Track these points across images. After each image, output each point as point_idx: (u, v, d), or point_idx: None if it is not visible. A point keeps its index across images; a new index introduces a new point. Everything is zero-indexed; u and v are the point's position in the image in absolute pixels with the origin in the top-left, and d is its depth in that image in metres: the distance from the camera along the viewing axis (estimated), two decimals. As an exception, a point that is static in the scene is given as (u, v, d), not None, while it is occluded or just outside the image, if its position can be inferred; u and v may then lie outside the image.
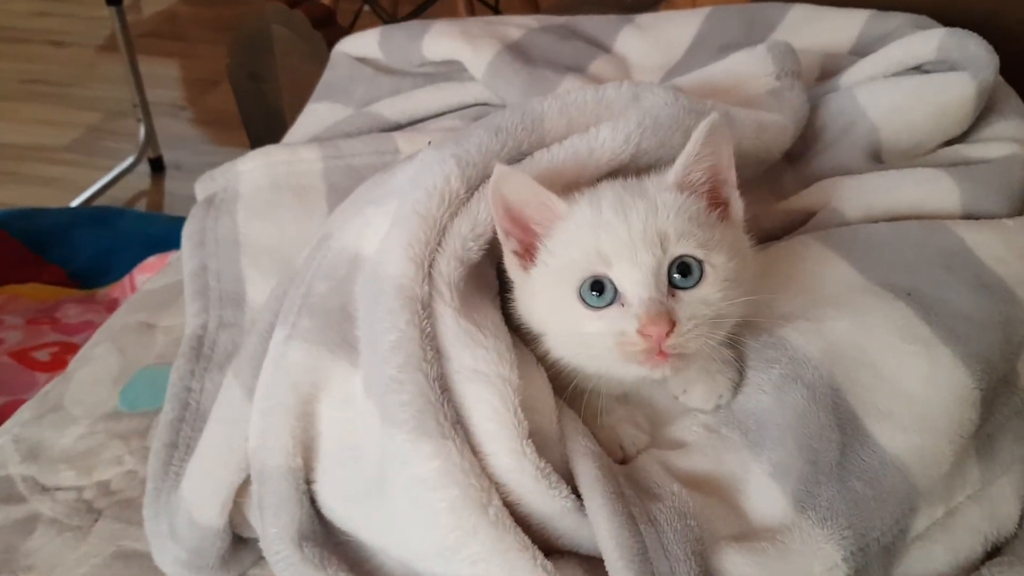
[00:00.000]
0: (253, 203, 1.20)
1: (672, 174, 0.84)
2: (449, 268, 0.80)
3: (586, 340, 0.76)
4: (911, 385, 0.79)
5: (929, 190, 0.96)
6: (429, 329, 0.78)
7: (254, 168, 1.24)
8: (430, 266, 0.80)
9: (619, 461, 0.81)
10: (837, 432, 0.77)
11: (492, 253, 0.87)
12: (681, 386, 0.88)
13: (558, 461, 0.79)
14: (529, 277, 0.81)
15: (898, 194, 0.96)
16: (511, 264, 0.82)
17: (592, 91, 0.88)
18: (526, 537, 0.70)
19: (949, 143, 1.10)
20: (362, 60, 1.44)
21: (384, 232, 0.82)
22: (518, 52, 1.30)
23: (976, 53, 1.04)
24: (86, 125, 3.70)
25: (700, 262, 0.77)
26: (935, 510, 0.79)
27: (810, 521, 0.72)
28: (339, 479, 0.83)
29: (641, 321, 0.73)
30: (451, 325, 0.78)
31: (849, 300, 0.85)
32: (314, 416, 0.85)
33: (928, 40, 1.07)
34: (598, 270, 0.76)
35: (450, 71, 1.34)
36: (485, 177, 0.85)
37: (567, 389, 0.87)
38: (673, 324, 0.73)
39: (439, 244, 0.81)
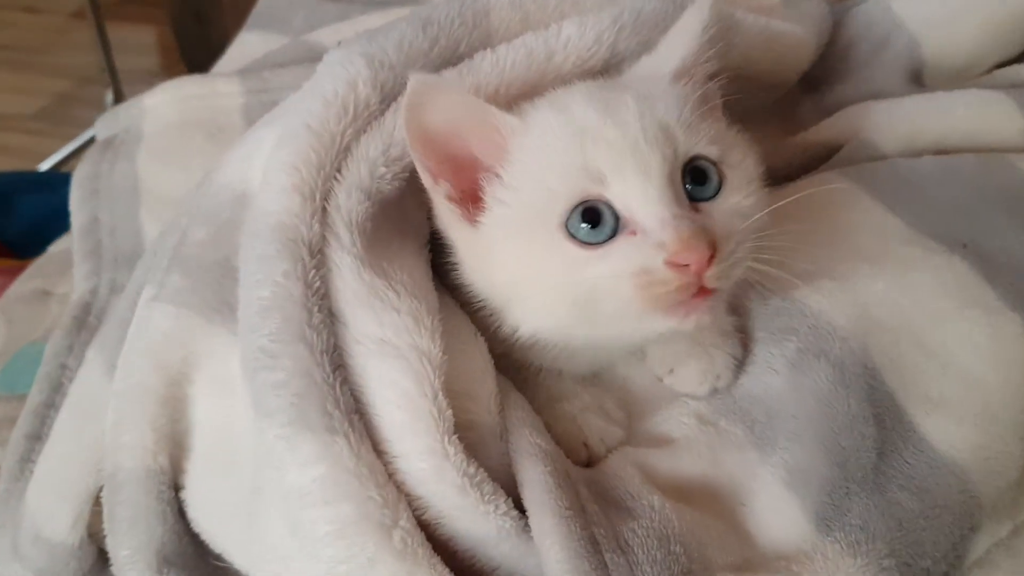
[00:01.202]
0: (157, 144, 1.01)
1: (669, 61, 0.64)
2: (351, 202, 0.59)
3: (589, 292, 0.57)
4: (969, 363, 0.65)
5: (986, 116, 0.81)
6: (319, 284, 0.57)
7: (162, 103, 1.04)
8: (325, 199, 0.59)
9: (583, 463, 0.65)
10: (873, 426, 0.63)
11: (417, 185, 0.66)
12: (667, 363, 0.69)
13: (497, 464, 0.60)
14: (476, 231, 0.61)
15: (948, 121, 0.81)
16: (446, 218, 0.62)
17: None
18: (447, 571, 0.54)
19: (1005, 64, 0.92)
20: (305, -18, 1.22)
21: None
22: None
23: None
24: (55, 93, 3.53)
25: (715, 164, 0.59)
26: (1000, 527, 0.65)
27: (837, 546, 0.58)
28: (210, 489, 0.64)
29: (671, 247, 0.54)
30: (350, 279, 0.57)
31: (887, 253, 0.70)
32: (185, 402, 0.66)
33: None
34: (590, 191, 0.57)
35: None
36: (406, 83, 0.64)
37: (520, 368, 0.66)
38: (714, 245, 0.54)
39: (339, 170, 0.60)
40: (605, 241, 0.57)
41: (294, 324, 0.56)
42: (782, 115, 0.91)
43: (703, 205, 0.59)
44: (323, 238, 0.59)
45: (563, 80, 0.68)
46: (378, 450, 0.56)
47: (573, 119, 0.60)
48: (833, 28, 0.93)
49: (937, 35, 0.89)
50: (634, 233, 0.57)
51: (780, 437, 0.64)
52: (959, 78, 0.90)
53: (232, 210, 0.68)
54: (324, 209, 0.60)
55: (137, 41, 3.86)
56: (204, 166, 0.90)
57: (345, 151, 0.61)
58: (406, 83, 0.64)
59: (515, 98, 0.67)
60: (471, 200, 0.62)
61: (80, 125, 3.25)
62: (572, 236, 0.57)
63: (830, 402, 0.63)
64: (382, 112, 0.63)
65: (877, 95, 0.87)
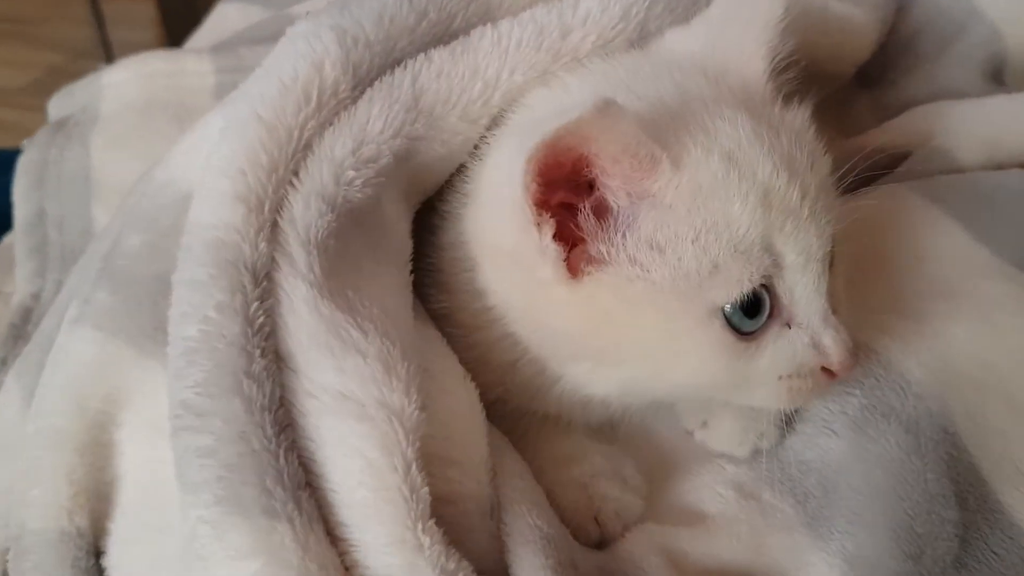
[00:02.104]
0: (114, 127, 0.89)
1: (749, 60, 0.53)
2: (309, 214, 0.47)
3: (738, 383, 0.51)
4: None
5: None
6: (262, 319, 0.45)
7: (123, 81, 0.92)
8: (277, 210, 0.46)
9: (593, 543, 0.53)
10: (955, 507, 0.52)
11: (400, 192, 0.53)
12: (700, 415, 0.56)
13: (484, 549, 0.48)
14: (577, 283, 0.48)
15: None
16: (527, 257, 0.48)
17: None
18: None
19: None
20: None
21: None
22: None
23: None
24: (47, 66, 3.41)
25: None
26: None
27: (910, 660, 0.46)
28: (137, 556, 0.52)
29: (837, 358, 0.50)
30: (304, 313, 0.45)
31: (971, 289, 0.59)
32: (110, 450, 0.54)
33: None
34: (768, 275, 0.48)
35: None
36: (387, 66, 0.51)
37: (519, 418, 0.54)
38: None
39: (296, 173, 0.47)
40: (757, 330, 0.49)
41: (227, 372, 0.43)
42: (835, 113, 0.78)
43: None
44: (272, 260, 0.46)
45: (578, 64, 0.55)
46: (334, 535, 0.44)
47: (748, 171, 0.48)
48: (897, 13, 0.80)
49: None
50: (788, 325, 0.50)
51: (839, 517, 0.52)
52: None
53: (175, 214, 0.55)
54: (275, 223, 0.47)
55: (133, 14, 3.75)
56: (166, 154, 0.78)
57: (305, 149, 0.49)
58: (390, 63, 0.51)
59: (520, 87, 0.54)
60: (570, 244, 0.49)
61: (73, 100, 3.16)
62: (730, 324, 0.48)
63: (903, 475, 0.52)
64: (355, 100, 0.51)
65: (948, 94, 0.74)
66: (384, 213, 0.53)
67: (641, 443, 0.59)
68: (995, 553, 0.51)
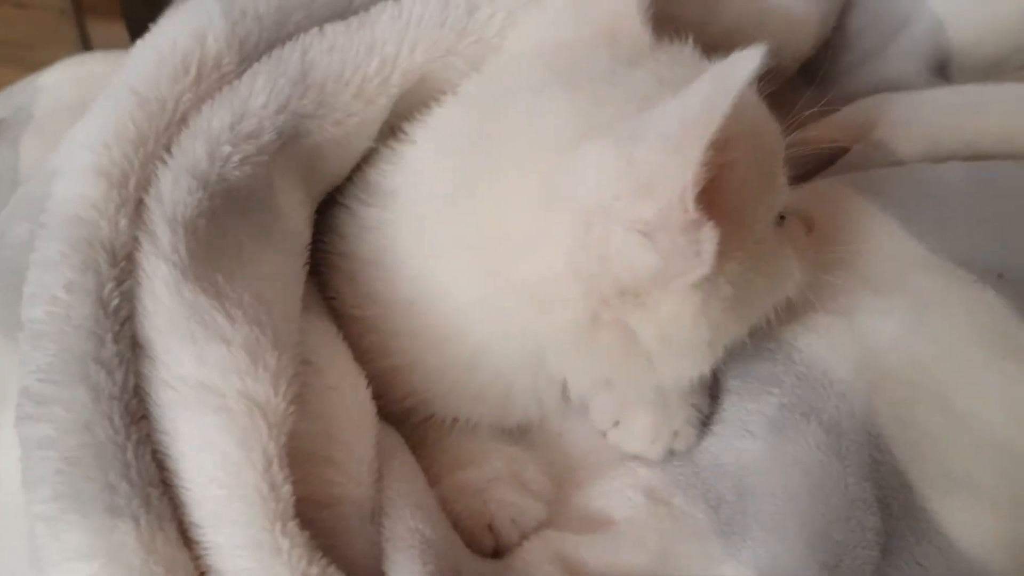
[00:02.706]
0: (46, 127, 0.86)
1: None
2: (178, 191, 0.44)
3: (795, 271, 0.52)
4: (1005, 432, 0.51)
5: None
6: (118, 302, 0.42)
7: (59, 82, 0.90)
8: (143, 187, 0.43)
9: (488, 552, 0.50)
10: (877, 513, 0.49)
11: (298, 178, 0.51)
12: (611, 414, 0.54)
13: (364, 555, 0.44)
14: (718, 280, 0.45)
15: (980, 120, 0.66)
16: (677, 262, 0.43)
17: None
18: None
19: None
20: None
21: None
22: None
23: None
24: (37, 87, 3.43)
25: None
26: None
27: None
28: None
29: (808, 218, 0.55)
30: (165, 296, 0.42)
31: (903, 284, 0.56)
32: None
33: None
34: None
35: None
36: (280, 40, 0.49)
37: (423, 422, 0.53)
38: None
39: (168, 148, 0.44)
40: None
41: (74, 358, 0.40)
42: (778, 109, 0.75)
43: None
44: (135, 240, 0.43)
45: (486, 46, 0.53)
46: (188, 537, 0.40)
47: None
48: (843, 8, 0.77)
49: (968, 17, 0.74)
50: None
51: (753, 524, 0.49)
52: (994, 71, 0.75)
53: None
54: (142, 201, 0.44)
55: (118, 36, 3.76)
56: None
57: (180, 123, 0.46)
58: (280, 37, 0.49)
59: (421, 72, 0.52)
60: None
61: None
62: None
63: (821, 479, 0.49)
64: (239, 74, 0.48)
65: (893, 88, 0.72)
66: (276, 198, 0.50)
67: (553, 446, 0.56)
68: (920, 564, 0.48)
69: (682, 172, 0.40)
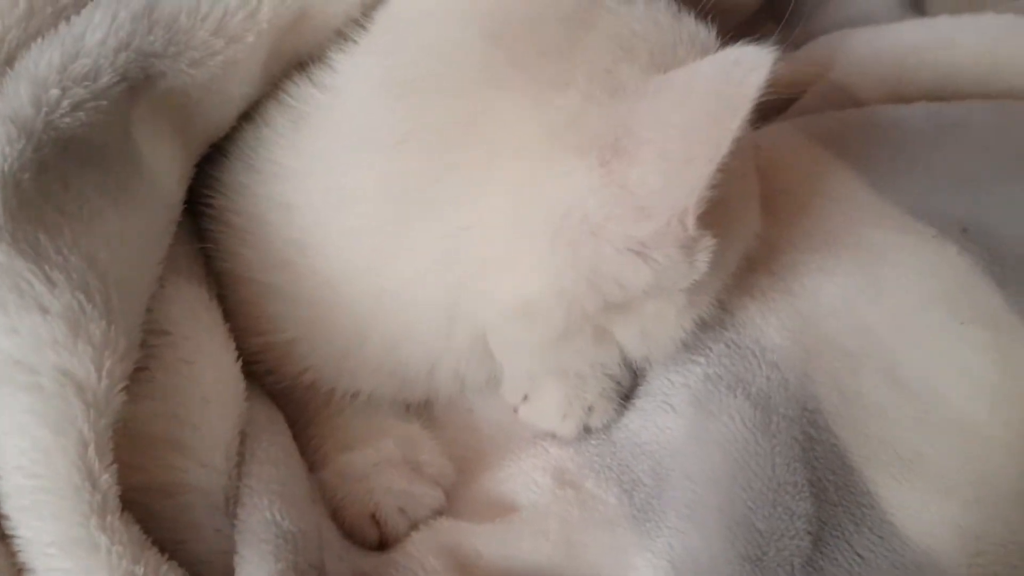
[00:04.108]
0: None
1: None
2: (-8, 139, 0.38)
3: None
4: (962, 405, 0.47)
5: (1009, 50, 0.61)
6: (-77, 268, 0.37)
7: None
8: (-39, 137, 0.39)
9: (373, 545, 0.46)
10: (808, 498, 0.45)
11: (166, 129, 0.46)
12: (521, 388, 0.50)
13: (215, 550, 0.40)
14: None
15: (950, 56, 0.62)
16: (678, 269, 0.41)
17: None
18: None
19: None
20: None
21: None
22: None
23: None
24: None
25: None
26: None
27: None
28: None
29: None
30: (-24, 258, 0.37)
31: (853, 238, 0.52)
32: None
33: None
34: None
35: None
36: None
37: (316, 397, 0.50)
38: None
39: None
40: None
41: None
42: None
43: None
44: (-57, 194, 0.38)
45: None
46: (3, 533, 0.36)
47: None
48: (810, -61, 0.71)
49: None
50: None
51: (669, 510, 0.45)
52: (976, 2, 0.70)
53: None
54: (-44, 151, 0.39)
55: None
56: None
57: (5, 64, 0.41)
58: None
59: (299, 5, 0.46)
60: None
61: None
62: None
63: (745, 460, 0.45)
64: (77, 10, 0.43)
65: (861, 25, 0.66)
66: (137, 150, 0.45)
67: (462, 422, 0.51)
68: (859, 556, 0.44)
69: (685, 196, 0.38)
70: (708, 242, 0.40)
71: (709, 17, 0.49)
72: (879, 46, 0.62)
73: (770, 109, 0.61)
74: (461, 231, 0.41)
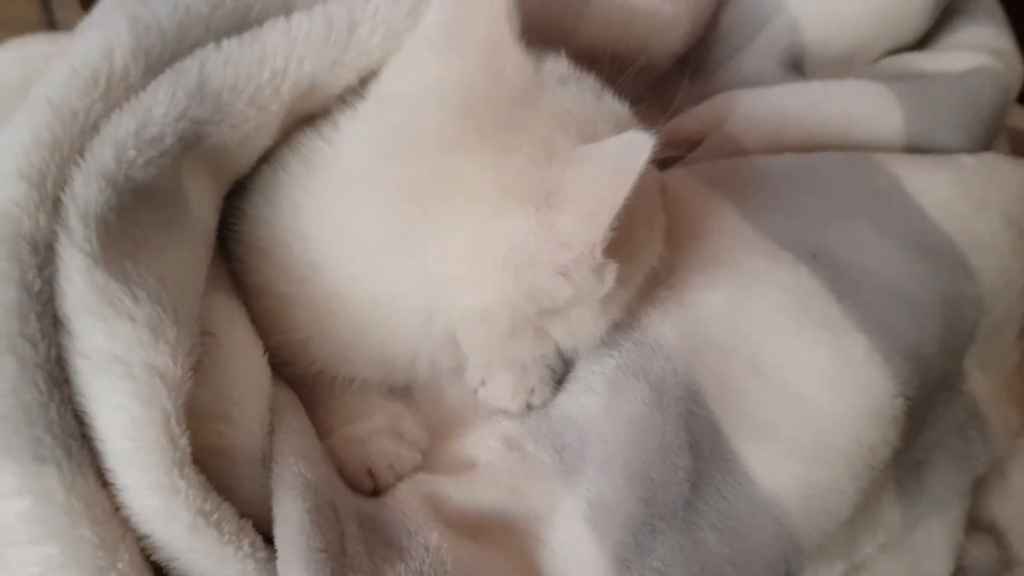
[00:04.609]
0: (-11, 106, 0.89)
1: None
2: (89, 191, 0.51)
3: None
4: (806, 388, 0.60)
5: (862, 111, 0.73)
6: (40, 286, 0.50)
7: (3, 61, 0.93)
8: (60, 186, 0.51)
9: (368, 493, 0.59)
10: (688, 456, 0.58)
11: (205, 173, 0.58)
12: (480, 374, 0.62)
13: (256, 497, 0.53)
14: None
15: (817, 114, 0.73)
16: (591, 287, 0.55)
17: None
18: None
19: (898, 52, 0.82)
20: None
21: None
22: None
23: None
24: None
25: None
26: (830, 569, 0.61)
27: (635, 591, 0.52)
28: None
29: None
30: (79, 281, 0.50)
31: (731, 262, 0.64)
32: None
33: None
34: None
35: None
36: (182, 53, 0.56)
37: (319, 383, 0.62)
38: None
39: (82, 152, 0.52)
40: None
41: (2, 334, 0.48)
42: (664, 102, 0.82)
43: None
44: (53, 232, 0.51)
45: (369, 57, 0.60)
46: (105, 483, 0.49)
47: None
48: (719, 8, 0.84)
49: (818, 17, 0.80)
50: None
51: (588, 467, 0.58)
52: (845, 67, 0.81)
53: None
54: (60, 199, 0.52)
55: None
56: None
57: (93, 130, 0.53)
58: (184, 48, 0.56)
59: (311, 81, 0.59)
60: None
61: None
62: None
63: (643, 428, 0.58)
64: (144, 85, 0.55)
65: (752, 83, 0.78)
66: (184, 192, 0.57)
67: (434, 402, 0.64)
68: (724, 498, 0.57)
69: (593, 234, 0.51)
70: (612, 266, 0.53)
71: (632, 74, 0.63)
72: (761, 105, 0.73)
73: (679, 150, 0.76)
74: (437, 257, 0.54)
